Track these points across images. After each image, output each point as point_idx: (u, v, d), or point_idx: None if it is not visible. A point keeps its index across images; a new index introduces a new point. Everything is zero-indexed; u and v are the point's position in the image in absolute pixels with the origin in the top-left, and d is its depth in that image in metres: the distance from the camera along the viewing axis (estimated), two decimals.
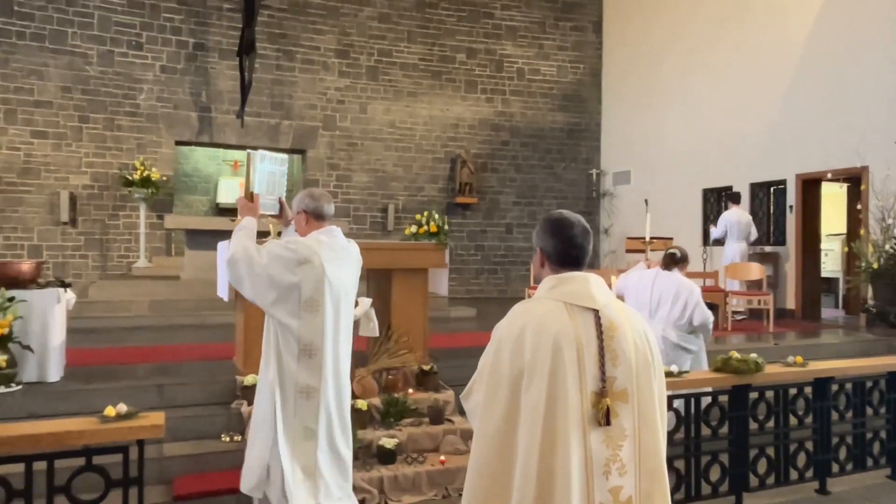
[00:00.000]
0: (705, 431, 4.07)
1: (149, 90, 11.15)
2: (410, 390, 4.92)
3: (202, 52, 11.47)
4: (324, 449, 3.11)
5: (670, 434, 3.92)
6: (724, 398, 4.13)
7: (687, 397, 3.98)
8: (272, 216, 3.56)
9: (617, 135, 13.74)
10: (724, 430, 4.14)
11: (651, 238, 7.03)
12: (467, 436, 4.59)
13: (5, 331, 4.28)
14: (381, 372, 4.99)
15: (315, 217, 3.23)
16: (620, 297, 5.40)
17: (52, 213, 10.56)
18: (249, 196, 3.36)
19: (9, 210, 10.36)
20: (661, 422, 1.94)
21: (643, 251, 7.05)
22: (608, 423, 1.84)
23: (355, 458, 4.21)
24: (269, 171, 3.50)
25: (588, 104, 14.03)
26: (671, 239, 8.37)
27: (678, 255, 5.25)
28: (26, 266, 4.71)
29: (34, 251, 10.40)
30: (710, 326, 5.12)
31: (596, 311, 1.90)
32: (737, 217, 9.33)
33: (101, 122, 10.88)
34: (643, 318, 2.04)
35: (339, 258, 3.19)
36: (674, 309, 5.03)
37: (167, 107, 11.27)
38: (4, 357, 4.29)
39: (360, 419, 4.49)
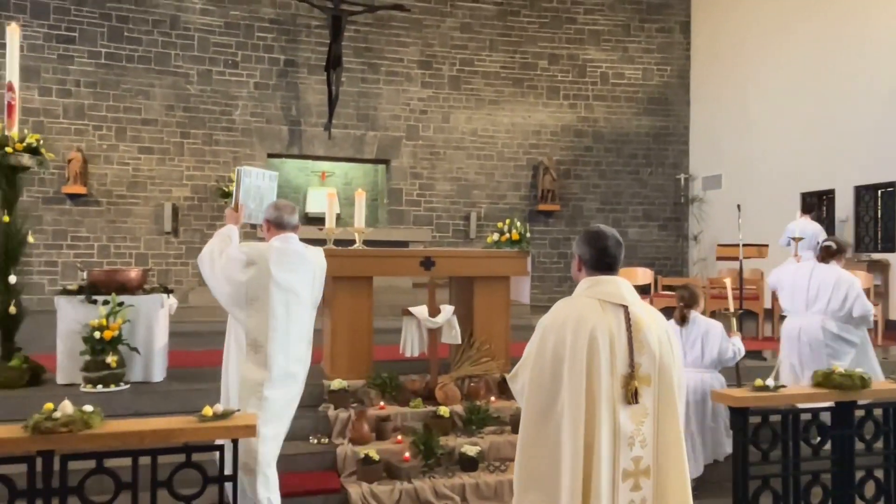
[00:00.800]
0: (805, 450, 3.83)
1: (243, 106, 11.72)
2: (492, 398, 4.92)
3: (292, 68, 11.96)
4: (267, 442, 3.42)
5: (766, 451, 3.72)
6: (825, 415, 3.87)
7: (784, 413, 3.76)
8: (260, 225, 3.95)
9: (706, 138, 13.23)
10: (827, 449, 3.88)
11: (744, 244, 6.72)
12: None
13: (115, 333, 4.59)
14: (463, 379, 5.01)
15: (276, 226, 3.62)
16: (773, 292, 5.58)
17: (157, 223, 11.27)
18: (236, 207, 3.80)
19: (119, 221, 11.15)
20: (680, 406, 2.27)
21: (736, 258, 6.74)
22: (636, 401, 2.18)
23: (438, 464, 4.26)
24: (256, 185, 3.98)
25: (675, 107, 13.60)
26: (766, 246, 7.96)
27: (834, 247, 5.22)
28: (134, 273, 5.05)
29: (141, 259, 11.13)
30: (871, 318, 5.07)
31: (626, 308, 2.25)
32: (800, 227, 8.93)
33: (201, 138, 11.53)
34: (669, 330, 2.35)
35: (290, 262, 3.54)
36: (833, 300, 4.98)
37: (260, 121, 11.81)
38: (114, 358, 4.61)
39: (443, 426, 4.53)
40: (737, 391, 3.75)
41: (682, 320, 4.50)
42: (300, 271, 3.57)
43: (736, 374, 5.17)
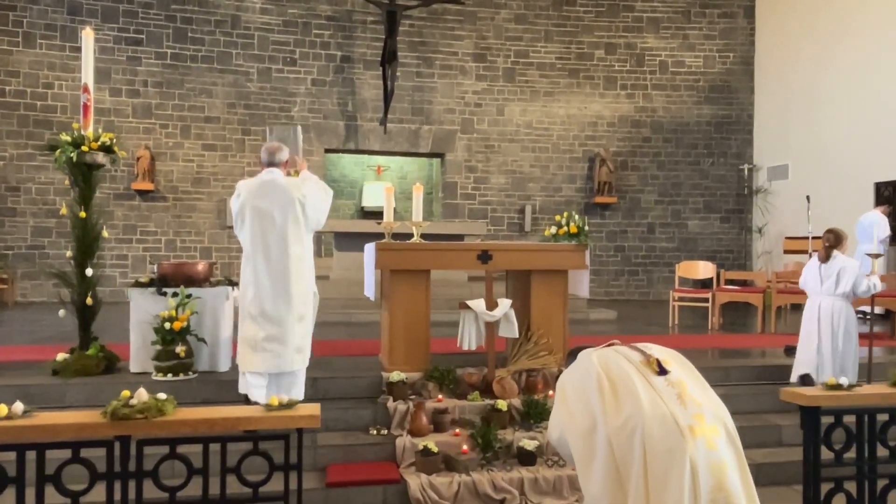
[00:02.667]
0: (882, 452, 3.66)
1: (301, 102, 11.95)
2: (550, 392, 4.87)
3: (348, 63, 12.11)
4: (264, 327, 4.28)
5: (839, 453, 3.57)
6: None
7: (859, 413, 3.59)
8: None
9: (772, 126, 12.74)
10: None
11: (813, 237, 6.46)
12: None
13: (184, 324, 4.76)
14: (520, 373, 4.99)
15: (266, 164, 4.50)
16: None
17: (220, 217, 11.62)
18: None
19: (184, 216, 11.55)
20: (719, 403, 2.29)
21: (805, 251, 6.49)
22: (662, 370, 2.26)
23: (496, 457, 4.26)
24: (279, 137, 5.01)
25: (738, 94, 13.15)
26: None
27: None
28: (201, 266, 5.22)
29: (205, 252, 11.52)
30: None
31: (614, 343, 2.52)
32: (862, 219, 9.01)
33: (261, 134, 11.81)
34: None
35: (262, 191, 4.37)
36: None
37: (317, 117, 12.02)
38: (183, 348, 4.77)
39: (500, 420, 4.52)
40: (809, 389, 3.61)
41: (826, 258, 5.40)
42: (272, 197, 4.35)
43: (871, 306, 5.94)
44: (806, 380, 5.24)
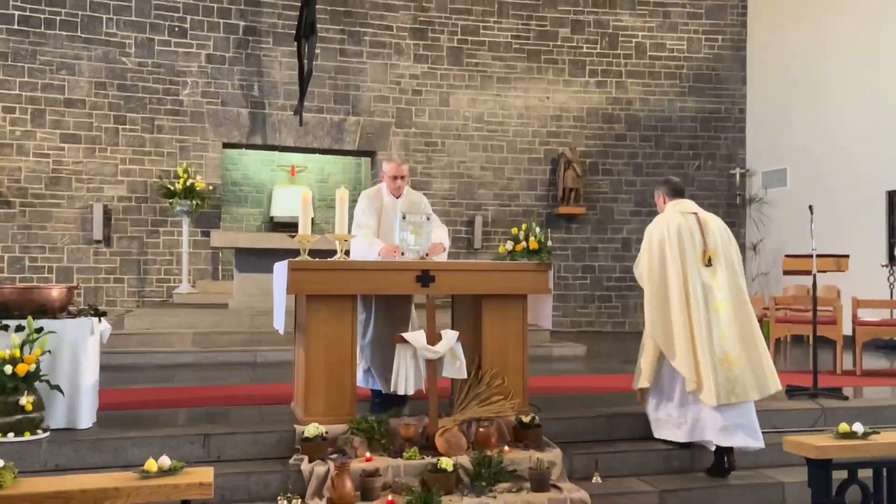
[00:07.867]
0: None
1: (193, 84, 11.73)
2: (506, 447, 4.87)
3: (254, 37, 11.99)
4: None
5: None
6: None
7: (877, 466, 3.71)
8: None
9: (768, 124, 13.27)
10: None
11: (818, 255, 6.70)
12: None
13: (32, 368, 4.52)
14: (469, 423, 4.97)
15: None
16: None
17: (84, 229, 11.23)
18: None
19: (35, 227, 11.10)
20: (740, 274, 5.11)
21: (808, 272, 6.71)
22: (710, 263, 4.94)
23: None
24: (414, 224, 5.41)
25: (728, 86, 13.66)
26: (846, 257, 7.92)
27: None
28: (56, 292, 4.99)
29: (63, 274, 11.09)
30: None
31: (696, 214, 5.12)
32: None
33: (140, 123, 11.53)
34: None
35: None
36: None
37: (214, 103, 11.82)
38: (30, 399, 4.52)
39: (445, 482, 4.47)
40: (817, 438, 3.71)
41: None
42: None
43: None
44: None
